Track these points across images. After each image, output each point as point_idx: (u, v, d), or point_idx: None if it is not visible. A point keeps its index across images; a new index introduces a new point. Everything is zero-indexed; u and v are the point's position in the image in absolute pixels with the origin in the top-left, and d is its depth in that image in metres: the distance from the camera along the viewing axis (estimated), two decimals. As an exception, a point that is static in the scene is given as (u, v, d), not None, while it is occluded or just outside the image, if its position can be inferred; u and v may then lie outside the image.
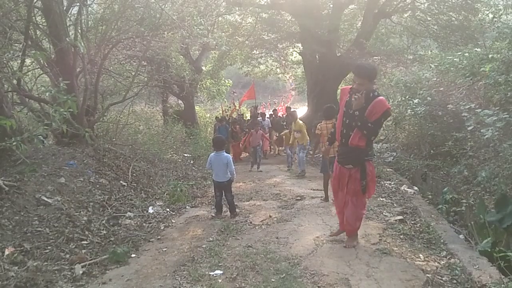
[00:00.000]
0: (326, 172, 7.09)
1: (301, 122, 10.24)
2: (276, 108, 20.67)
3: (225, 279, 4.05)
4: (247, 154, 14.62)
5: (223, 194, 6.51)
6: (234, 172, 6.59)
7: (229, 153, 7.16)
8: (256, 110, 16.98)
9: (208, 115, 23.20)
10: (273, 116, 16.93)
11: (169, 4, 9.69)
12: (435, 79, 8.64)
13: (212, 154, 6.61)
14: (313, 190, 8.34)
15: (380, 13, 15.84)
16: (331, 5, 16.92)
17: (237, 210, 6.62)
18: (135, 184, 7.67)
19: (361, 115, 4.20)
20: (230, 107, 21.37)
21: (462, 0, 14.03)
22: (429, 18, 15.84)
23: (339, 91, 19.85)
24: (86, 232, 5.22)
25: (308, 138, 10.13)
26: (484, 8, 13.83)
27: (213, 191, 6.75)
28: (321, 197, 7.35)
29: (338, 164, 4.65)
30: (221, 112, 20.45)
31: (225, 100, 22.87)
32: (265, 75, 23.62)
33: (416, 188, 7.90)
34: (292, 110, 12.58)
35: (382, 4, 15.91)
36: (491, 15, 9.82)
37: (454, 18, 14.64)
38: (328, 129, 6.67)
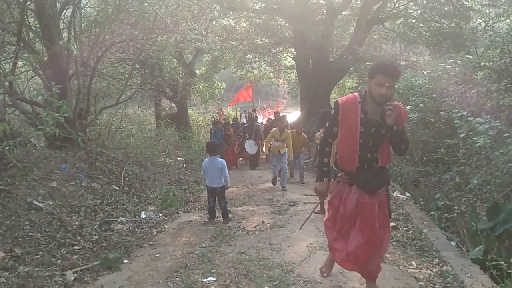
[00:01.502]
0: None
1: (289, 132, 9.36)
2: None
3: (218, 286, 4.03)
4: (241, 159, 14.43)
5: (216, 200, 6.49)
6: (229, 179, 6.58)
7: (223, 158, 7.11)
8: (254, 113, 16.79)
9: (201, 118, 23.16)
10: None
11: (163, 8, 9.68)
12: (427, 86, 8.67)
13: (206, 159, 6.61)
14: (306, 195, 8.34)
15: (373, 19, 15.96)
16: (325, 11, 17.01)
17: (230, 215, 6.60)
18: (127, 189, 7.62)
19: (399, 129, 3.24)
20: (217, 112, 21.20)
21: (454, 8, 14.18)
22: (421, 25, 15.98)
23: (332, 96, 20.00)
24: (78, 237, 5.17)
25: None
26: (477, 15, 13.98)
27: (206, 196, 6.72)
28: (316, 205, 7.19)
29: (365, 194, 3.38)
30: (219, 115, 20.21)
31: (219, 102, 22.77)
32: (258, 80, 23.65)
33: (408, 194, 7.93)
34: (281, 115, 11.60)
35: (375, 10, 16.04)
36: (483, 24, 9.92)
37: (446, 25, 14.77)
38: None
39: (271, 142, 9.34)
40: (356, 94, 3.37)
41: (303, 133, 10.18)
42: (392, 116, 3.13)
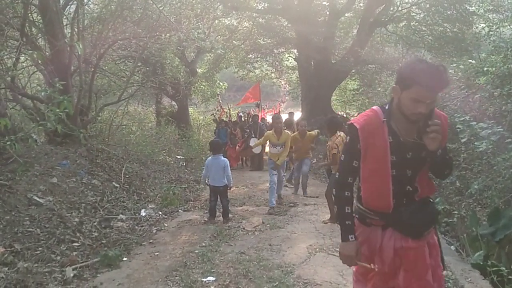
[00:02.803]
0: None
1: (289, 133, 7.78)
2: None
3: (217, 286, 4.03)
4: (239, 163, 14.20)
5: (218, 199, 6.50)
6: (231, 178, 6.57)
7: (226, 157, 7.11)
8: (258, 108, 16.63)
9: (202, 117, 23.14)
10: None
11: (167, 6, 9.66)
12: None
13: (209, 158, 6.64)
14: (306, 197, 8.33)
15: (375, 22, 15.94)
16: (328, 12, 17.00)
17: (230, 215, 6.60)
18: (127, 186, 7.61)
19: (444, 151, 2.28)
20: (218, 110, 21.07)
21: (457, 12, 14.18)
22: (424, 29, 15.97)
23: (334, 97, 19.98)
24: (78, 234, 5.17)
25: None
26: (480, 20, 13.98)
27: (208, 195, 6.72)
28: (315, 206, 7.15)
29: (407, 237, 2.29)
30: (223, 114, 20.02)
31: (219, 100, 22.69)
32: (259, 80, 23.62)
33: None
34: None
35: (378, 13, 16.01)
36: (487, 29, 9.91)
37: (449, 30, 14.78)
38: (339, 144, 6.14)
39: (269, 149, 7.78)
40: (376, 109, 2.37)
41: (308, 132, 8.37)
42: (437, 140, 2.13)
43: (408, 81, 2.11)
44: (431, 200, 2.44)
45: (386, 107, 2.32)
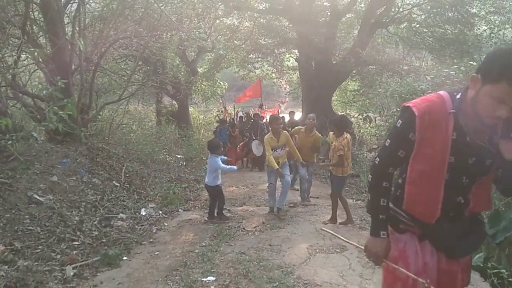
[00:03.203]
0: (339, 195, 6.34)
1: (285, 132, 7.18)
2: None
3: (217, 286, 4.02)
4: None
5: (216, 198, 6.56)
6: (227, 167, 6.59)
7: (226, 157, 7.14)
8: (260, 109, 16.54)
9: (202, 116, 23.14)
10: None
11: (169, 6, 9.67)
12: (430, 91, 8.66)
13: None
14: (308, 201, 8.30)
15: (377, 23, 15.93)
16: (329, 13, 17.01)
17: (229, 214, 6.63)
18: (127, 185, 7.61)
19: None
20: (222, 111, 20.99)
21: (459, 14, 14.18)
22: (425, 30, 15.97)
23: (334, 98, 19.98)
24: (78, 233, 5.17)
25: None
26: (481, 22, 13.98)
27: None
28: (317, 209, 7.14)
29: (441, 256, 2.00)
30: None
31: (220, 101, 22.67)
32: (260, 77, 23.59)
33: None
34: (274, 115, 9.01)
35: (379, 14, 16.02)
36: (488, 31, 9.91)
37: (450, 31, 14.77)
38: (345, 146, 6.08)
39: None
40: (443, 95, 1.90)
41: (316, 131, 7.69)
42: None
43: (497, 73, 1.63)
44: (483, 221, 2.07)
45: (457, 96, 1.85)
